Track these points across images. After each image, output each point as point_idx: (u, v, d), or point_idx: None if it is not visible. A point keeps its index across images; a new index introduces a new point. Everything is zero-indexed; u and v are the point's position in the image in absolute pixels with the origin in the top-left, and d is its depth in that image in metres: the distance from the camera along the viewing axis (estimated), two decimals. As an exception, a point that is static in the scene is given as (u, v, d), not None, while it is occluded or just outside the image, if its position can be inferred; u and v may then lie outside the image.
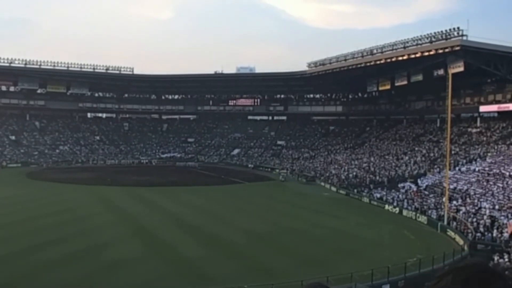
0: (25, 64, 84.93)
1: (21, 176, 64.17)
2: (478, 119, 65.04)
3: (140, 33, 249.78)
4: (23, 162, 79.00)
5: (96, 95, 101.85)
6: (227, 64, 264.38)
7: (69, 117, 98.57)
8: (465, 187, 44.62)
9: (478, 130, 63.13)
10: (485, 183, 44.31)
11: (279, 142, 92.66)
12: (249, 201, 48.38)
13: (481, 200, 39.74)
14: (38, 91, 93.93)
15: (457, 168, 51.00)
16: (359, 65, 72.30)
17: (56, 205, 42.20)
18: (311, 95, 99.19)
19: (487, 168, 48.47)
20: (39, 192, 50.26)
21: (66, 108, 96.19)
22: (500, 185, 42.32)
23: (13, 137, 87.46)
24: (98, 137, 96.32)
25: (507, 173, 44.40)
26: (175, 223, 36.23)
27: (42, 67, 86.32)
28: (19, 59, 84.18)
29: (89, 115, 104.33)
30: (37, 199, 45.35)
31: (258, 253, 28.23)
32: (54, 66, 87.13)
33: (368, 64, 70.71)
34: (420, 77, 67.43)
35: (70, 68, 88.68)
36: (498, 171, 46.37)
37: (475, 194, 42.12)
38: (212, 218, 38.21)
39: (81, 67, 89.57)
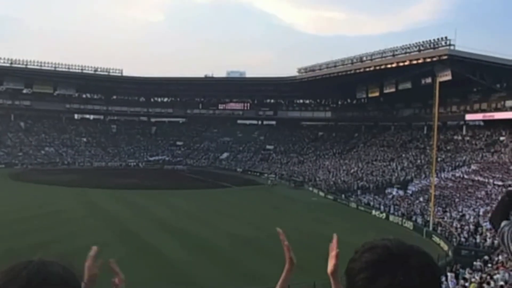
0: (11, 63, 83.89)
1: (4, 177, 63.17)
2: (464, 127, 65.93)
3: (130, 34, 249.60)
4: (7, 163, 77.91)
5: (84, 96, 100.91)
6: (217, 68, 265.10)
7: (55, 118, 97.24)
8: (450, 193, 45.15)
9: (464, 137, 63.96)
10: (469, 190, 44.91)
11: (268, 147, 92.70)
12: (237, 205, 48.25)
13: (466, 206, 40.26)
14: (24, 91, 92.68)
15: (443, 175, 51.55)
16: (348, 72, 72.97)
17: (40, 207, 41.49)
18: (301, 101, 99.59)
19: (472, 175, 49.11)
20: (23, 194, 49.41)
21: (53, 109, 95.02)
22: (484, 192, 42.91)
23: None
24: (85, 139, 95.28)
25: (491, 180, 45.01)
26: (161, 226, 35.97)
27: (28, 66, 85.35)
28: (4, 58, 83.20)
29: (76, 116, 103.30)
30: (20, 201, 44.57)
31: (244, 257, 28.10)
32: (40, 66, 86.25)
33: (357, 71, 71.41)
34: (408, 85, 68.31)
35: (57, 69, 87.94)
36: (482, 178, 47.00)
37: (459, 200, 42.65)
38: (199, 222, 38.02)
39: (68, 68, 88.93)
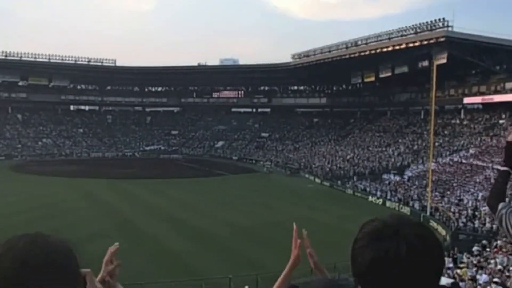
0: (6, 56, 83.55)
1: (4, 169, 63.33)
2: (462, 111, 65.40)
3: (122, 24, 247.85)
4: (6, 155, 78.26)
5: (79, 87, 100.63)
6: (210, 56, 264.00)
7: (51, 109, 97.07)
8: (448, 178, 45.07)
9: (462, 121, 63.66)
10: (467, 174, 44.83)
11: (263, 134, 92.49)
12: (233, 193, 48.16)
13: (464, 191, 40.22)
14: (20, 84, 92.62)
15: (440, 159, 51.44)
16: (343, 57, 72.29)
17: (41, 198, 41.66)
18: (295, 87, 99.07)
19: (470, 159, 48.99)
20: (23, 185, 49.42)
21: (49, 101, 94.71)
22: (482, 176, 42.82)
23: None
24: (81, 130, 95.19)
25: (490, 164, 44.91)
26: (159, 216, 35.94)
27: (23, 59, 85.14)
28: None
29: (71, 107, 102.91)
30: (21, 192, 44.63)
31: (242, 246, 28.15)
32: (35, 58, 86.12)
33: (352, 55, 70.76)
34: (405, 69, 67.66)
35: (51, 60, 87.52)
36: (481, 162, 46.88)
37: (457, 185, 42.59)
38: (196, 211, 38.01)
39: (62, 59, 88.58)
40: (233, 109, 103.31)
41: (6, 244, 1.17)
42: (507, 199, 2.25)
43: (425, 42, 58.95)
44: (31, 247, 1.16)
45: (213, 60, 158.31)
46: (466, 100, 64.06)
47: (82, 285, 1.27)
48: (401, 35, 63.83)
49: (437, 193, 40.34)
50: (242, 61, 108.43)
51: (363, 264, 1.23)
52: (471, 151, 51.71)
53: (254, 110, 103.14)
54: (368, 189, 48.34)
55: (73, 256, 1.23)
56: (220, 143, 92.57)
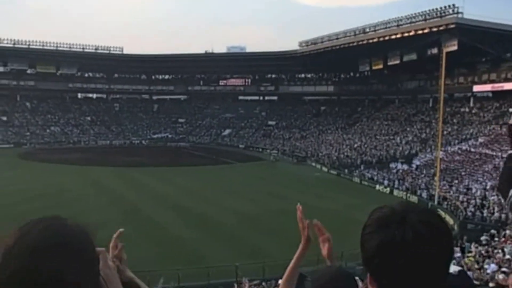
0: (14, 44, 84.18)
1: (13, 157, 63.65)
2: (472, 99, 64.66)
3: (129, 12, 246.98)
4: (15, 143, 78.92)
5: (86, 75, 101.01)
6: (217, 44, 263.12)
7: (59, 97, 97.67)
8: (456, 167, 44.72)
9: (471, 110, 62.97)
10: (476, 163, 44.44)
11: (270, 123, 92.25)
12: (240, 182, 48.11)
13: (472, 180, 39.88)
14: (28, 72, 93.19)
15: (448, 148, 51.00)
16: (351, 44, 71.62)
17: (48, 186, 41.82)
18: (303, 75, 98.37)
19: (479, 148, 48.56)
20: (32, 173, 49.73)
21: (56, 89, 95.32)
22: (491, 165, 42.41)
23: (4, 118, 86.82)
24: (89, 118, 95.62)
25: (499, 153, 44.46)
26: (165, 204, 36.02)
27: (31, 47, 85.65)
28: (7, 39, 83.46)
29: (79, 95, 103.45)
30: (29, 180, 44.90)
31: (249, 234, 28.13)
32: (43, 46, 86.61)
33: (360, 43, 70.06)
34: (413, 56, 66.89)
35: (59, 48, 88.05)
36: (490, 151, 46.44)
37: (466, 174, 42.25)
38: (203, 199, 38.02)
39: (70, 47, 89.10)
40: (240, 97, 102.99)
41: (22, 229, 1.16)
42: None
43: (435, 29, 58.06)
44: (45, 232, 1.14)
45: (220, 47, 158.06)
46: (476, 88, 63.28)
47: (98, 266, 1.26)
48: (410, 22, 62.99)
49: (445, 182, 40.02)
50: (249, 49, 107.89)
51: (370, 250, 1.23)
52: (480, 139, 51.18)
53: (261, 98, 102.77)
54: (375, 178, 48.05)
55: (88, 240, 1.21)
56: (227, 131, 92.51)
